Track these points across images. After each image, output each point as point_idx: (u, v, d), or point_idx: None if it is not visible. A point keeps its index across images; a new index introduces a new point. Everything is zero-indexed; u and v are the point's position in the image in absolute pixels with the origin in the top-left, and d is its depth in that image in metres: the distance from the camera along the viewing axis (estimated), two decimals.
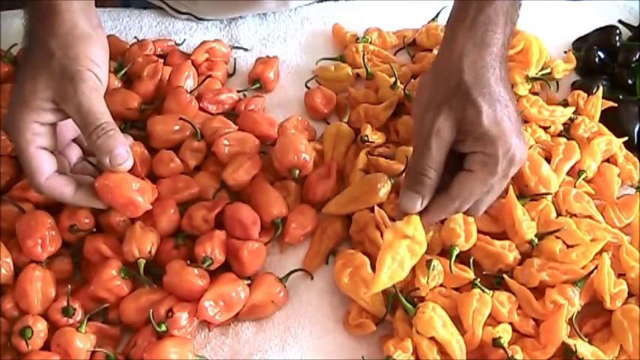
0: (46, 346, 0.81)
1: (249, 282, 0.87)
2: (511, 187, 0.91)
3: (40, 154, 0.83)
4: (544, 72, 1.11)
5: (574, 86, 1.12)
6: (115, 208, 0.86)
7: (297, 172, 0.94)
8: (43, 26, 0.85)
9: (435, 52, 1.12)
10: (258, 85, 1.11)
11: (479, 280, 0.86)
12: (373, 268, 0.87)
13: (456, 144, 0.80)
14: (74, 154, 0.92)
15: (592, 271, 0.86)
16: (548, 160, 0.98)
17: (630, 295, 0.87)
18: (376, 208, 0.91)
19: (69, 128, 0.89)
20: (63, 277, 0.87)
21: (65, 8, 0.85)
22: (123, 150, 0.83)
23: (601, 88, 1.08)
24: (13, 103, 0.84)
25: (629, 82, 1.11)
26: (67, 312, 0.82)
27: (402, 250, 0.81)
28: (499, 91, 0.81)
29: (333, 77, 1.11)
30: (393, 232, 0.81)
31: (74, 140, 0.92)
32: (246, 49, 1.18)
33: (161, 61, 1.08)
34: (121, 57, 1.11)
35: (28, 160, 0.83)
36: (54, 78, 0.82)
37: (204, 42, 1.13)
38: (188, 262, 0.85)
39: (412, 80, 1.08)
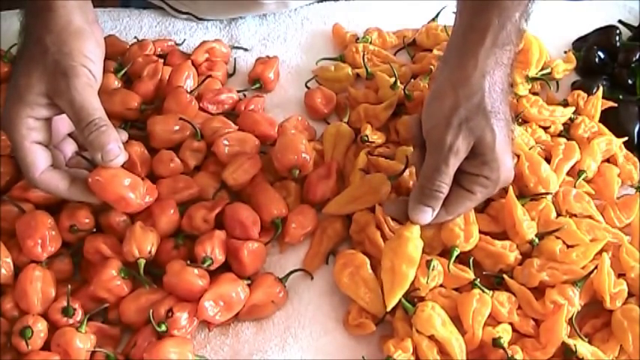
0: (46, 346, 0.81)
1: (249, 282, 0.87)
2: (511, 187, 0.91)
3: (34, 148, 0.84)
4: (544, 72, 1.11)
5: (574, 86, 1.12)
6: (108, 203, 0.87)
7: (297, 172, 0.94)
8: (39, 22, 0.86)
9: (436, 52, 1.12)
10: (258, 85, 1.11)
11: (479, 280, 0.86)
12: (373, 268, 0.87)
13: (463, 161, 0.82)
14: (69, 148, 0.92)
15: (592, 271, 0.86)
16: (548, 160, 0.98)
17: (630, 295, 0.86)
18: (377, 207, 0.91)
19: (64, 123, 0.90)
20: (63, 277, 0.87)
21: (60, 4, 0.86)
22: (115, 146, 0.83)
23: (601, 88, 1.08)
24: (8, 98, 0.84)
25: (629, 82, 1.11)
26: (67, 312, 0.82)
27: (409, 256, 0.83)
28: (508, 114, 0.84)
29: (333, 77, 1.11)
30: (398, 239, 0.84)
31: (70, 135, 0.93)
32: (246, 49, 1.18)
33: (161, 61, 1.08)
34: (121, 57, 1.11)
35: (23, 154, 0.83)
36: (48, 73, 0.82)
37: (204, 42, 1.13)
38: (188, 262, 0.85)
39: (412, 80, 1.08)
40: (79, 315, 0.83)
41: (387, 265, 0.84)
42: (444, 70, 0.87)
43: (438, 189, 0.82)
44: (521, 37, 0.87)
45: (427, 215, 0.84)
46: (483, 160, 0.83)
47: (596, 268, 0.86)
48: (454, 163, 0.82)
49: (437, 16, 1.19)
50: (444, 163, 0.81)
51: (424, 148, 0.85)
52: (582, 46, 1.17)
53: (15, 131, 0.83)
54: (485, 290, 0.85)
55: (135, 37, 1.16)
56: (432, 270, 0.85)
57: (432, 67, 1.09)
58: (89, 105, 0.82)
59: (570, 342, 0.82)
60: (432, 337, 0.82)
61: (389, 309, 0.83)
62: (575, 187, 0.97)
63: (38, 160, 0.84)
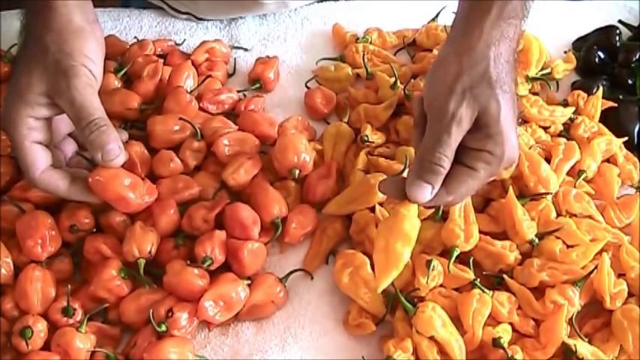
0: (46, 346, 0.81)
1: (249, 282, 0.87)
2: (511, 187, 0.91)
3: (35, 148, 0.84)
4: (544, 72, 1.11)
5: (574, 86, 1.12)
6: (108, 203, 0.87)
7: (297, 172, 0.94)
8: (39, 21, 0.86)
9: (436, 52, 1.12)
10: (258, 85, 1.11)
11: (479, 280, 0.86)
12: (373, 268, 0.87)
13: (465, 135, 0.79)
14: (70, 148, 0.93)
15: (592, 271, 0.86)
16: (548, 160, 0.98)
17: (630, 295, 0.87)
18: (377, 206, 0.91)
19: (65, 122, 0.90)
20: (63, 277, 0.87)
21: (61, 3, 0.86)
22: (115, 145, 0.83)
23: (601, 88, 1.08)
24: (8, 97, 0.84)
25: (629, 82, 1.11)
26: (67, 312, 0.82)
27: (404, 234, 0.81)
28: (513, 88, 0.82)
29: (333, 77, 1.11)
30: (394, 216, 0.81)
31: (70, 134, 0.93)
32: (246, 49, 1.18)
33: (161, 61, 1.08)
34: (121, 57, 1.10)
35: (23, 154, 0.83)
36: (48, 72, 0.82)
37: (204, 42, 1.13)
38: (188, 262, 0.85)
39: (412, 80, 1.08)
40: (79, 315, 0.83)
41: (380, 244, 0.81)
42: (449, 41, 0.85)
43: (438, 162, 0.77)
44: (528, 14, 0.85)
45: (426, 192, 0.79)
46: (487, 132, 0.79)
47: (596, 268, 0.86)
48: (457, 134, 0.78)
49: (437, 16, 1.19)
50: (446, 132, 0.77)
51: (425, 127, 0.82)
52: (582, 46, 1.17)
53: (15, 131, 0.83)
54: (486, 290, 0.85)
55: (135, 37, 1.16)
56: (432, 270, 0.85)
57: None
58: (89, 104, 0.82)
59: (570, 342, 0.82)
60: (431, 338, 0.82)
61: (380, 290, 0.80)
62: (575, 187, 0.97)
63: (38, 159, 0.84)
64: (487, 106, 0.78)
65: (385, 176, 0.93)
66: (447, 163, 0.78)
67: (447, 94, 0.78)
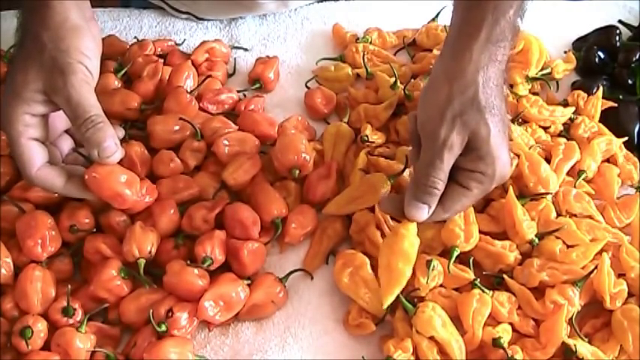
0: (46, 346, 0.81)
1: (249, 282, 0.87)
2: (511, 187, 0.91)
3: (31, 145, 0.84)
4: (544, 72, 1.11)
5: (574, 86, 1.12)
6: (104, 200, 0.87)
7: (297, 172, 0.94)
8: (36, 19, 0.86)
9: (436, 52, 1.12)
10: (258, 85, 1.11)
11: (479, 280, 0.86)
12: (373, 268, 0.87)
13: (458, 157, 0.82)
14: (66, 145, 0.93)
15: (592, 271, 0.86)
16: (548, 160, 0.98)
17: (630, 295, 0.86)
18: (377, 207, 0.91)
19: (61, 119, 0.90)
20: (63, 277, 0.87)
21: (57, 2, 0.86)
22: (111, 142, 0.83)
23: (601, 88, 1.08)
24: (5, 95, 0.84)
25: (629, 82, 1.11)
26: (67, 312, 0.82)
27: (405, 252, 0.83)
28: (503, 109, 0.83)
29: (333, 77, 1.11)
30: (394, 236, 0.84)
31: (66, 131, 0.93)
32: (246, 49, 1.18)
33: (161, 61, 1.08)
34: (121, 57, 1.11)
35: (20, 151, 0.84)
36: (44, 70, 0.83)
37: (204, 42, 1.13)
38: (188, 262, 0.85)
39: (412, 80, 1.08)
40: (79, 315, 0.83)
41: (383, 262, 0.84)
42: (440, 63, 0.87)
43: (432, 185, 0.81)
44: (516, 35, 0.86)
45: (423, 212, 0.83)
46: (478, 154, 0.82)
47: (596, 268, 0.86)
48: (449, 159, 0.81)
49: (437, 16, 1.19)
50: (438, 158, 0.81)
51: (419, 143, 0.84)
52: (582, 46, 1.17)
53: (12, 128, 0.83)
54: (486, 290, 0.85)
55: (135, 37, 1.17)
56: (432, 270, 0.85)
57: (431, 67, 1.09)
58: (86, 102, 0.82)
59: (570, 342, 0.82)
60: (431, 338, 0.82)
61: (385, 306, 0.83)
62: (575, 187, 0.97)
63: (35, 156, 0.84)
64: (477, 131, 0.81)
65: (385, 176, 0.93)
66: (441, 185, 0.82)
67: (439, 120, 0.81)
